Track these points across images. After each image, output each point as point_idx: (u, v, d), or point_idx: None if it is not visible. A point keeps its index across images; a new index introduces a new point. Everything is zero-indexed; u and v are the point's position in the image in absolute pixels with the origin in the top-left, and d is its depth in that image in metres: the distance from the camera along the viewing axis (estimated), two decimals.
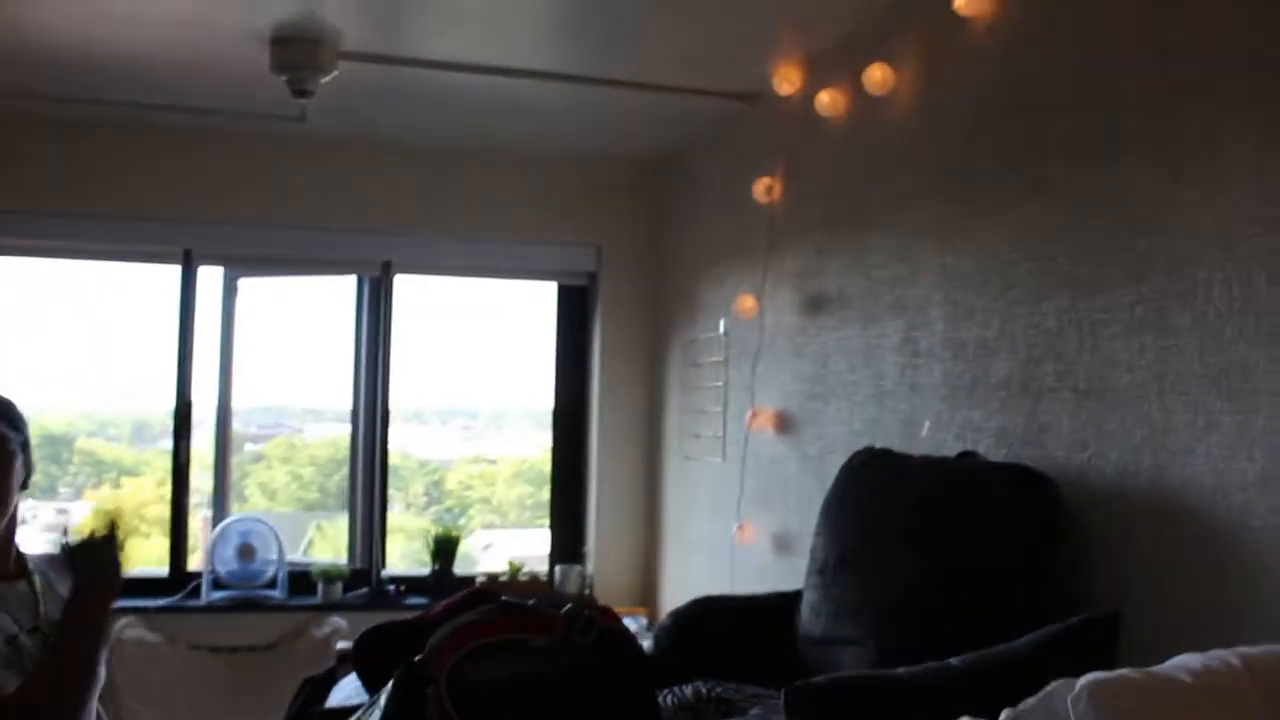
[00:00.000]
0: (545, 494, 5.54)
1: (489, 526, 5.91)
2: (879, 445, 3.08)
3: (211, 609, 4.69)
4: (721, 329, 4.40)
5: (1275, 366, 2.02)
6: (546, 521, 5.49)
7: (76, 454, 5.75)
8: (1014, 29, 2.83)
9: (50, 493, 5.47)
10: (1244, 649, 1.57)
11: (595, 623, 2.26)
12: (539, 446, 5.69)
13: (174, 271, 4.84)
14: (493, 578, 5.04)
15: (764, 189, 3.99)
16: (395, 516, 5.41)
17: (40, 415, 4.74)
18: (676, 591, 4.68)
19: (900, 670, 2.13)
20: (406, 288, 5.16)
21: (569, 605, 2.34)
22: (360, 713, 2.63)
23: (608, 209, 5.27)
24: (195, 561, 4.91)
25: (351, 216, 4.95)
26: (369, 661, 2.82)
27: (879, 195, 3.41)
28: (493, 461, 6.01)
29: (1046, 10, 2.73)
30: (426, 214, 5.04)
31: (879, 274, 3.37)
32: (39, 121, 4.53)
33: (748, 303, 4.10)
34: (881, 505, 2.77)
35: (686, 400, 4.83)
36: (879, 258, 3.38)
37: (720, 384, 4.40)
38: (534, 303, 5.49)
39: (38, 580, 2.24)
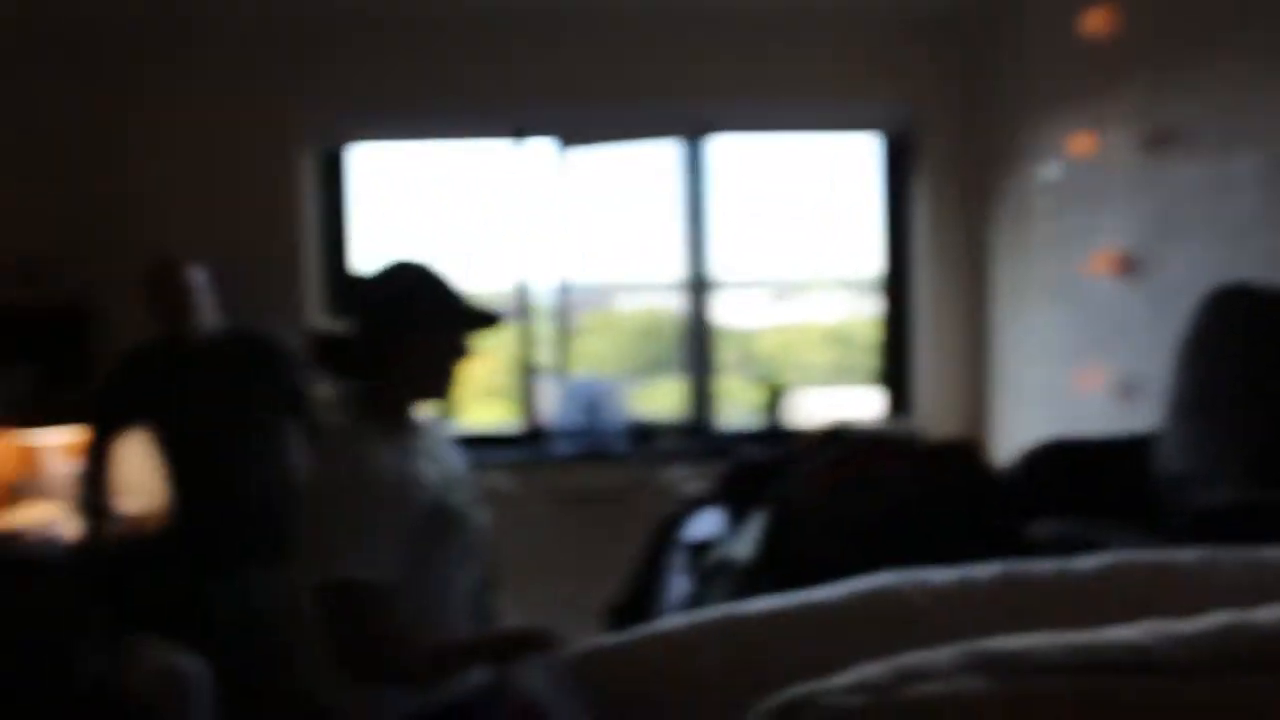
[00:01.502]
0: (860, 358, 5.63)
1: (804, 387, 6.01)
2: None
3: (563, 461, 5.13)
4: (1054, 173, 4.27)
5: None
6: (864, 382, 5.56)
7: None
8: None
9: None
10: None
11: (963, 453, 2.37)
12: (855, 308, 5.74)
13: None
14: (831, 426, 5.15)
15: (1093, 21, 3.81)
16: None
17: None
18: (1009, 443, 4.66)
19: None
20: (724, 152, 5.28)
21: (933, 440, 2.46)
22: (725, 544, 2.87)
23: (924, 58, 5.13)
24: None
25: (668, 84, 5.09)
26: (736, 494, 3.05)
27: (1224, 14, 3.21)
28: (802, 327, 6.07)
29: None
30: (740, 78, 5.10)
31: (1229, 101, 3.19)
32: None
33: (1082, 143, 3.97)
34: (1247, 343, 2.69)
35: (1017, 248, 4.73)
36: (1228, 84, 3.19)
37: (1054, 228, 4.30)
38: (854, 163, 5.47)
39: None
